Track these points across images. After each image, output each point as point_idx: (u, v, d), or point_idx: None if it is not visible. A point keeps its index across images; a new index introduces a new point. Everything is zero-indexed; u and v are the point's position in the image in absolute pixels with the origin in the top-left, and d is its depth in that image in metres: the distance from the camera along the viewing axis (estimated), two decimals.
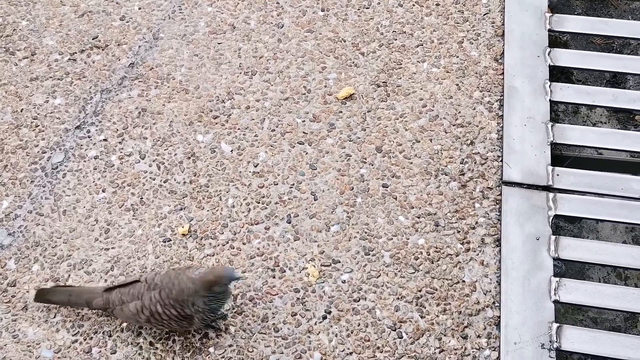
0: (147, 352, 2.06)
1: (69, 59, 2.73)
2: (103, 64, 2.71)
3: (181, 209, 2.33)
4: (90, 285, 2.15)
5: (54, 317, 2.13)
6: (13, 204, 2.36)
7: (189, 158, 2.45)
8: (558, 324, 2.05)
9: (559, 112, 2.73)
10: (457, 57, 2.67)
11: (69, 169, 2.44)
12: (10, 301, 2.16)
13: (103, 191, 2.38)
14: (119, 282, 2.11)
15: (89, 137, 2.51)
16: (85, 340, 2.09)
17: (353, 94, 2.58)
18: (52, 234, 2.29)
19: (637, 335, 2.17)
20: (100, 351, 2.07)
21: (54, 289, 2.10)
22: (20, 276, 2.21)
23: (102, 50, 2.75)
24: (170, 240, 2.27)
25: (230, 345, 2.06)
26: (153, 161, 2.45)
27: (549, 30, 2.69)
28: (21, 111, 2.58)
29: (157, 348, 2.07)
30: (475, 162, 2.41)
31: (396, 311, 2.12)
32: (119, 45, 2.76)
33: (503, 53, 2.65)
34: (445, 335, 2.08)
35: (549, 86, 2.54)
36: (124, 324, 2.10)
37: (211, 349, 2.06)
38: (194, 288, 1.89)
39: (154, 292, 1.93)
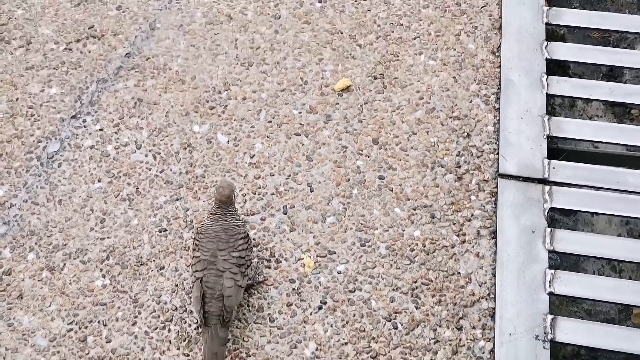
0: (142, 342, 2.06)
1: (65, 48, 2.72)
2: (99, 54, 2.70)
3: (177, 200, 2.33)
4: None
5: (49, 305, 2.12)
6: (8, 193, 2.35)
7: (185, 148, 2.45)
8: (552, 316, 2.06)
9: (556, 106, 2.73)
10: (454, 49, 2.67)
11: (64, 158, 2.43)
12: (5, 290, 2.16)
13: (99, 181, 2.38)
14: (197, 307, 2.00)
15: (85, 127, 2.51)
16: (80, 329, 2.09)
17: (350, 85, 2.58)
18: (47, 223, 2.29)
19: (631, 327, 2.18)
20: (95, 340, 2.07)
21: None
22: (15, 265, 2.21)
23: (98, 39, 2.74)
24: (166, 230, 2.27)
25: (227, 341, 2.06)
26: (149, 151, 2.44)
27: (546, 24, 2.70)
28: (16, 100, 2.57)
29: (152, 337, 2.07)
30: (471, 155, 2.41)
31: (391, 302, 2.13)
32: (115, 35, 2.75)
33: (500, 46, 2.65)
34: (440, 326, 2.08)
35: (546, 79, 2.54)
36: (119, 314, 2.10)
37: None
38: (217, 208, 2.05)
39: (220, 252, 1.99)
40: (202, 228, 2.07)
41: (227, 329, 1.97)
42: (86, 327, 2.09)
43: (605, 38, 2.94)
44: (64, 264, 2.20)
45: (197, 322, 2.08)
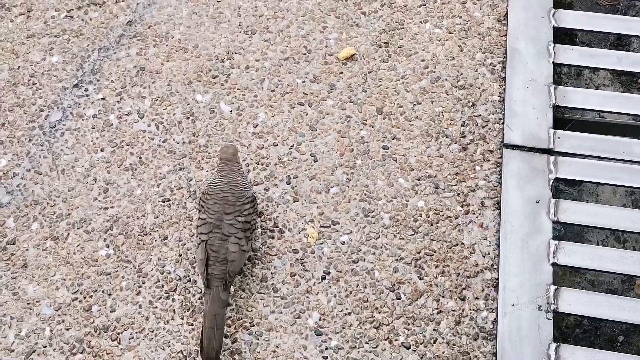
0: (146, 311, 2.07)
1: (66, 15, 2.68)
2: (101, 22, 2.67)
3: (180, 169, 2.32)
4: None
5: (54, 275, 2.13)
6: (11, 163, 2.35)
7: (188, 118, 2.43)
8: (556, 287, 2.06)
9: (562, 75, 2.70)
10: (460, 17, 2.63)
11: (67, 127, 2.42)
12: (9, 259, 2.16)
13: (102, 150, 2.37)
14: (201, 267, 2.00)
15: (87, 96, 2.49)
16: (85, 298, 2.10)
17: (354, 54, 2.55)
18: (50, 192, 2.29)
19: (634, 297, 2.18)
20: (100, 309, 2.08)
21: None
22: (19, 234, 2.21)
23: (100, 7, 2.70)
24: (169, 200, 2.26)
25: (229, 305, 2.07)
26: (152, 121, 2.43)
27: None
28: (18, 69, 2.55)
29: (156, 307, 2.08)
30: (476, 125, 2.39)
31: (395, 272, 2.13)
32: (116, 2, 2.71)
33: (507, 14, 2.61)
34: (443, 297, 2.09)
35: (553, 48, 2.51)
36: (123, 283, 2.11)
37: None
38: (220, 170, 2.08)
39: (226, 215, 2.00)
40: (209, 188, 2.07)
41: (228, 292, 1.99)
42: (91, 296, 2.10)
43: (613, 5, 2.90)
44: (68, 234, 2.21)
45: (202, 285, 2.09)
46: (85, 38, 2.62)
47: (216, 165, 2.17)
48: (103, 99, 2.48)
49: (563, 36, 2.68)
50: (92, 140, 2.39)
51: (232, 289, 2.08)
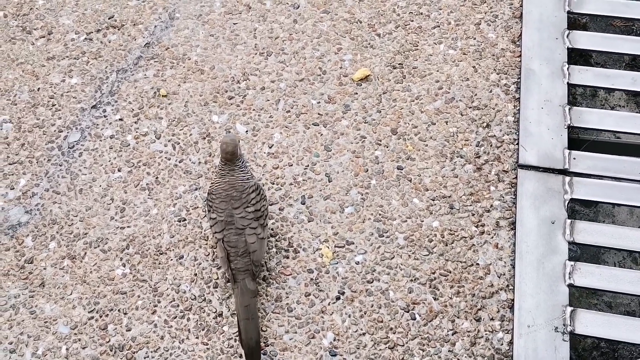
0: (161, 330, 2.08)
1: (85, 38, 2.73)
2: (119, 44, 2.71)
3: (196, 189, 2.34)
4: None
5: (71, 294, 2.15)
6: (30, 182, 2.38)
7: (204, 138, 2.46)
8: (572, 308, 2.04)
9: (577, 95, 2.70)
10: (474, 39, 2.65)
11: (85, 148, 2.45)
12: (27, 278, 2.19)
13: (119, 170, 2.39)
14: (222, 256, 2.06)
15: (105, 117, 2.52)
16: (101, 317, 2.11)
17: (369, 75, 2.57)
18: (68, 212, 2.31)
19: None
20: (115, 328, 2.09)
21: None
22: (37, 253, 2.23)
23: (118, 29, 2.75)
24: (185, 219, 2.28)
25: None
26: (168, 141, 2.46)
27: (568, 12, 2.66)
28: (38, 90, 2.60)
29: (171, 326, 2.09)
30: (491, 145, 2.40)
31: (410, 293, 2.12)
32: (134, 24, 2.76)
33: (521, 35, 2.63)
34: (458, 318, 2.08)
35: (567, 69, 2.51)
36: (139, 302, 2.13)
37: (225, 328, 2.08)
38: (224, 166, 2.09)
39: (235, 210, 2.04)
40: (212, 188, 2.11)
41: (255, 281, 2.04)
42: (107, 315, 2.11)
43: (628, 27, 2.90)
44: (85, 253, 2.23)
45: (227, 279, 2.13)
46: (104, 60, 2.67)
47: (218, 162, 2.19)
48: (121, 119, 2.51)
49: (578, 57, 2.69)
50: (109, 161, 2.42)
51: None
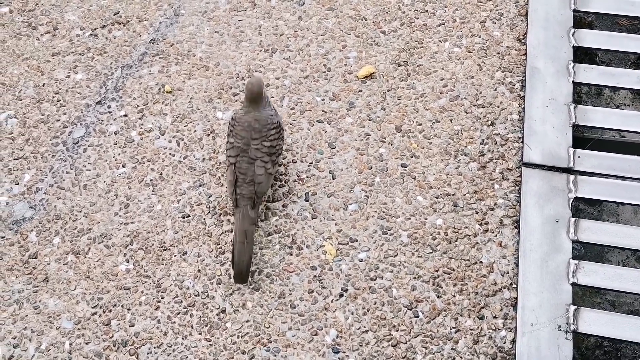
0: (164, 326, 2.09)
1: (91, 34, 2.74)
2: (124, 40, 2.71)
3: (200, 185, 2.35)
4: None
5: (74, 289, 2.16)
6: (35, 178, 2.38)
7: (209, 135, 2.46)
8: (575, 307, 2.04)
9: (582, 94, 2.69)
10: (480, 36, 2.64)
11: (89, 143, 2.46)
12: (31, 273, 2.19)
13: (123, 166, 2.40)
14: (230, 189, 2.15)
15: (110, 113, 2.53)
16: (104, 312, 2.12)
17: (373, 72, 2.57)
18: (72, 207, 2.32)
19: None
20: (119, 324, 2.09)
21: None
22: (41, 248, 2.24)
23: (123, 26, 2.75)
24: (189, 216, 2.28)
25: (247, 321, 2.08)
26: (173, 137, 2.46)
27: (574, 11, 2.65)
28: (43, 86, 2.60)
29: (174, 322, 2.09)
30: (495, 143, 2.39)
31: (413, 290, 2.12)
32: (139, 21, 2.76)
33: (526, 33, 2.62)
34: (461, 315, 2.08)
35: (573, 67, 2.50)
36: (142, 298, 2.13)
37: (228, 324, 2.08)
38: (248, 106, 2.15)
39: (253, 141, 2.12)
40: (237, 116, 2.18)
41: (256, 211, 2.14)
42: (110, 310, 2.12)
43: (633, 25, 2.89)
44: (89, 248, 2.23)
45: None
46: (109, 56, 2.67)
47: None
48: (125, 115, 2.52)
49: (583, 55, 2.68)
50: (113, 156, 2.42)
51: (250, 305, 2.09)
